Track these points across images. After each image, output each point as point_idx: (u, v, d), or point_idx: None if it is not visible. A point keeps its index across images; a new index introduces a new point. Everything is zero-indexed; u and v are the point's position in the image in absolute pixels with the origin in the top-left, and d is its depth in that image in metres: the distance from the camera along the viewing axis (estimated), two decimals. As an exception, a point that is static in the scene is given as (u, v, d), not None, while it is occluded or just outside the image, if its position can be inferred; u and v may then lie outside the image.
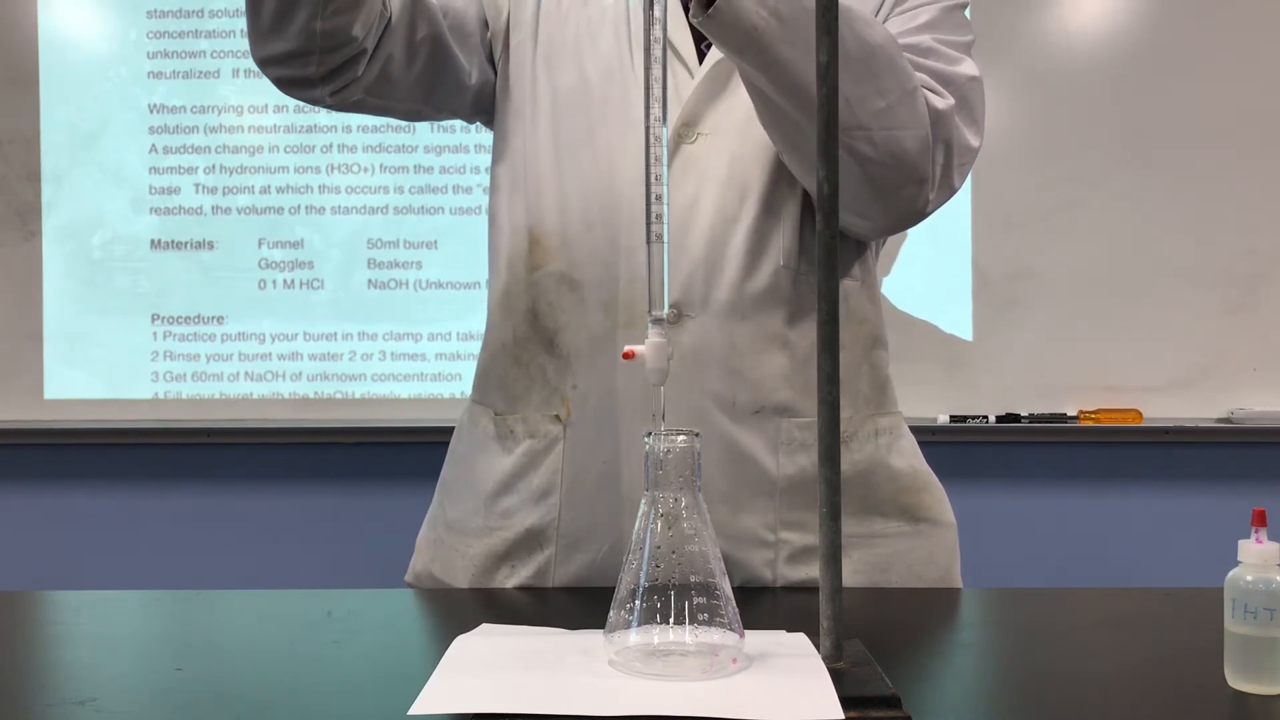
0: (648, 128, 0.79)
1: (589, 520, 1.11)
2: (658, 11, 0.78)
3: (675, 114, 1.10)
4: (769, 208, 1.09)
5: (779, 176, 1.09)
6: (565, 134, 1.14)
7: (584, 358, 1.11)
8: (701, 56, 1.13)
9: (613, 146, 1.12)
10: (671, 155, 1.09)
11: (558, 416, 1.12)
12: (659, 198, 0.79)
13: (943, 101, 1.04)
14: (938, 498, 1.18)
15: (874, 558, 1.12)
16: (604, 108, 1.13)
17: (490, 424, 1.17)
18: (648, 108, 0.79)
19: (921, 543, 1.15)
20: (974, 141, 1.08)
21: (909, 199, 1.04)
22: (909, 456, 1.17)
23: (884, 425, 1.15)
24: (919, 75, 1.04)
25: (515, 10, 1.19)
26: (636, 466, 1.07)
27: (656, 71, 0.78)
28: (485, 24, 1.20)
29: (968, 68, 1.09)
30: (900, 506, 1.14)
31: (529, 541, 1.13)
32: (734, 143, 1.10)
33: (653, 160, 0.79)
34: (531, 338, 1.14)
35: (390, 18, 1.10)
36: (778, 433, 1.09)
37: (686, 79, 1.12)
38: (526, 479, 1.13)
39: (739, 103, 1.10)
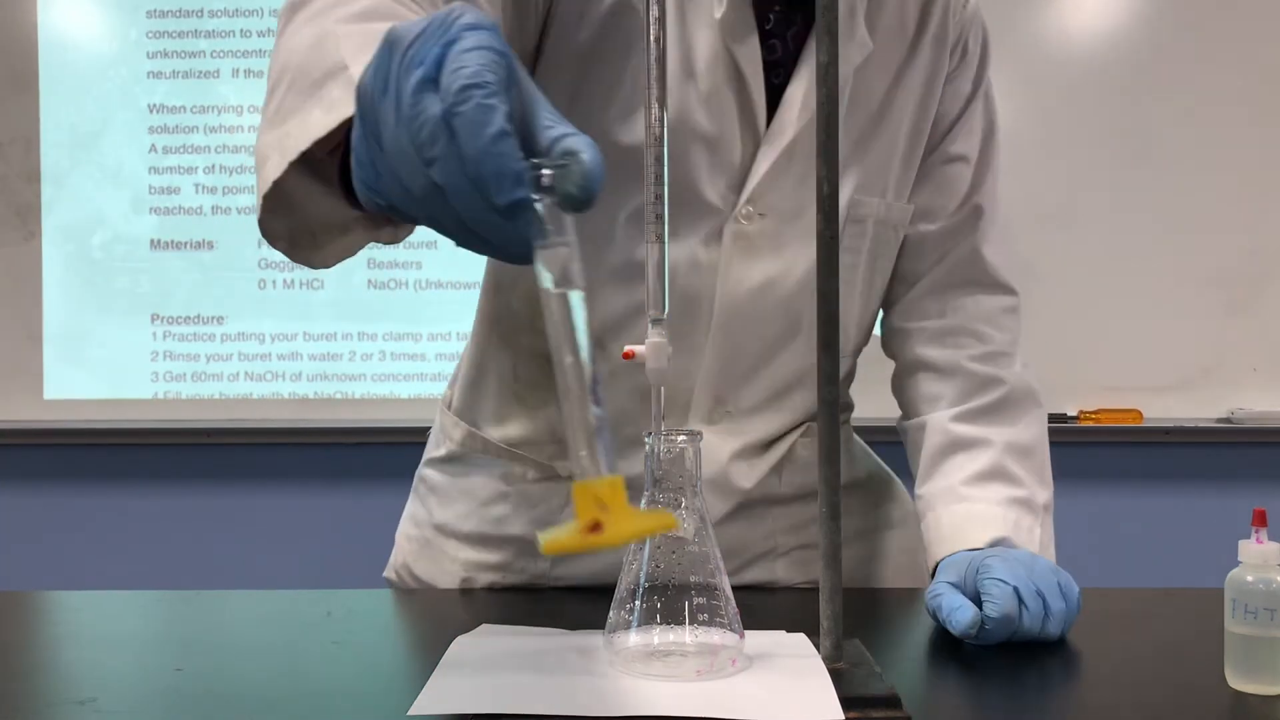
0: (648, 126, 0.79)
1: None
2: (656, 11, 0.78)
3: (749, 186, 0.99)
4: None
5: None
6: None
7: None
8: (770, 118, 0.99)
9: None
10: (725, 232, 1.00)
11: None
12: (659, 198, 0.79)
13: (1032, 374, 1.16)
14: (899, 495, 1.17)
15: (863, 550, 1.12)
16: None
17: (486, 450, 1.10)
18: (648, 106, 0.79)
19: (902, 531, 1.15)
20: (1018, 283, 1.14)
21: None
22: (862, 462, 1.16)
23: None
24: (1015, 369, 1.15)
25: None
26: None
27: (656, 71, 0.78)
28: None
29: (1000, 214, 1.11)
30: (871, 512, 1.14)
31: (523, 553, 1.08)
32: (791, 229, 1.00)
33: (653, 160, 0.80)
34: (541, 383, 1.05)
35: None
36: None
37: (751, 143, 0.99)
38: (526, 494, 1.08)
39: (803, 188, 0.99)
